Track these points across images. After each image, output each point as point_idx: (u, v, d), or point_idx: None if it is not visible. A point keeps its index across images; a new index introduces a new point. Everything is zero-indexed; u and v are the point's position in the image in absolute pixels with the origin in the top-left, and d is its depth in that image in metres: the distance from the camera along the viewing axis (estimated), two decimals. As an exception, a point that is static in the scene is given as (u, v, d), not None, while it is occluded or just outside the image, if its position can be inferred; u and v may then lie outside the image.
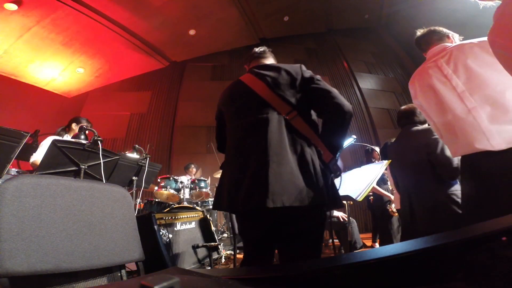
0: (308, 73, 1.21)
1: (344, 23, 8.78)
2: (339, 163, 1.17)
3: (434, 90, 1.46)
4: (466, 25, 5.90)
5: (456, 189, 1.73)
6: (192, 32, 6.85)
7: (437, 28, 1.59)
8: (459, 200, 1.64)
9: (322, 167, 1.07)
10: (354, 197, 1.71)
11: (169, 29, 6.51)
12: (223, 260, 2.84)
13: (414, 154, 1.85)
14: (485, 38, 1.24)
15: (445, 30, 1.57)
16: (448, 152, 1.72)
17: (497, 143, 1.18)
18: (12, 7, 4.63)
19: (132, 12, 5.74)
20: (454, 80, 1.34)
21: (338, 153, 1.13)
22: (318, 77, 1.21)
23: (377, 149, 3.35)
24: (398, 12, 8.19)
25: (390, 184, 3.26)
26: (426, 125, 1.95)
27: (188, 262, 2.35)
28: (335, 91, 1.14)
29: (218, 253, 2.72)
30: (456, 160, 1.70)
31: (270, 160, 1.01)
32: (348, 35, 8.98)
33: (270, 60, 1.43)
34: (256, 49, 1.44)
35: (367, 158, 3.58)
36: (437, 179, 1.75)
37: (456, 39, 1.55)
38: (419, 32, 1.64)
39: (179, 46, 7.16)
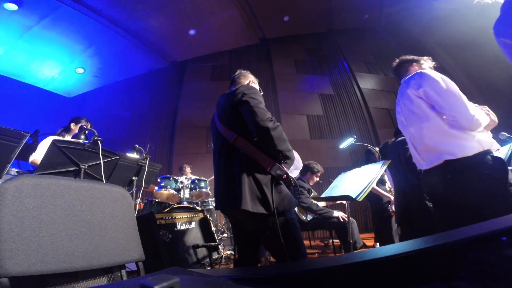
0: (239, 95, 1.29)
1: (344, 23, 8.77)
2: (294, 165, 1.26)
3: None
4: (467, 24, 5.90)
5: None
6: (192, 32, 6.85)
7: (404, 58, 1.78)
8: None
9: (254, 177, 1.20)
10: (354, 197, 1.70)
11: (169, 29, 6.51)
12: (223, 260, 2.83)
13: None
14: (417, 81, 1.51)
15: (410, 58, 1.74)
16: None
17: (423, 166, 1.57)
18: (12, 7, 4.63)
19: (132, 12, 5.74)
20: (401, 115, 1.72)
21: (286, 159, 1.22)
22: (247, 97, 1.26)
23: (378, 149, 3.35)
24: (398, 12, 8.18)
25: (388, 185, 3.25)
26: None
27: (188, 262, 2.35)
28: (259, 110, 1.21)
29: (218, 253, 2.72)
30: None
31: (217, 179, 1.38)
32: (348, 35, 8.97)
33: (238, 84, 1.53)
34: (235, 73, 1.63)
35: (368, 158, 3.58)
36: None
37: (424, 63, 1.72)
38: (394, 63, 1.85)
39: (179, 46, 7.15)
